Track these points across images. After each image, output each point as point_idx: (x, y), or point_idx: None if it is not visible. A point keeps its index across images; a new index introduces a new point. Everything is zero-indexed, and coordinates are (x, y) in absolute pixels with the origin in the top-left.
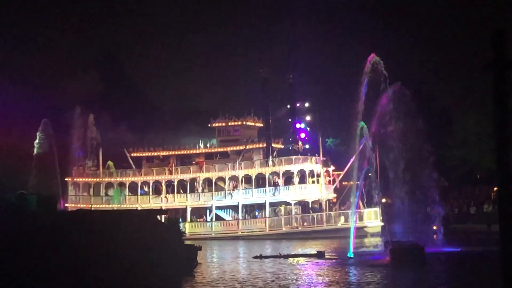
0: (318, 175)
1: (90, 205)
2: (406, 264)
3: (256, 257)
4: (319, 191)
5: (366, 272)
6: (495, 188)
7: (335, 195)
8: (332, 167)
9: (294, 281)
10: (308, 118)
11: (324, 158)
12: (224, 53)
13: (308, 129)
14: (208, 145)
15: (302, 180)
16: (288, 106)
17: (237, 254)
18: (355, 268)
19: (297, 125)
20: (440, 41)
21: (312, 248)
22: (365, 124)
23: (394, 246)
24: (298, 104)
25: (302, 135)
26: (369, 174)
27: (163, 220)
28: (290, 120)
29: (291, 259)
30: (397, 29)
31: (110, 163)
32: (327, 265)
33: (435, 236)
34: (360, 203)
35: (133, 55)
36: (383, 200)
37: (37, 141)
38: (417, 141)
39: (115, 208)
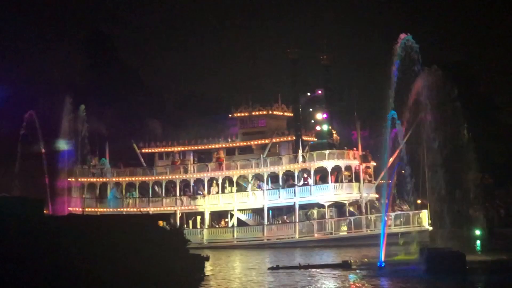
0: (357, 173)
1: (82, 209)
2: (444, 274)
3: (272, 268)
4: (358, 191)
5: (398, 284)
6: None
7: (377, 196)
8: (373, 163)
9: None
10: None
11: (364, 153)
12: (244, 30)
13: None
14: (229, 139)
15: (338, 179)
16: (309, 94)
17: (254, 264)
18: (385, 279)
19: (319, 116)
20: (482, 15)
21: (345, 256)
22: (396, 113)
23: (431, 253)
24: (319, 92)
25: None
26: (402, 172)
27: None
28: (311, 110)
29: (312, 270)
30: (433, 3)
31: (103, 160)
32: (353, 276)
33: (478, 241)
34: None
35: (127, 33)
36: (418, 201)
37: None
38: (456, 132)
39: (113, 213)
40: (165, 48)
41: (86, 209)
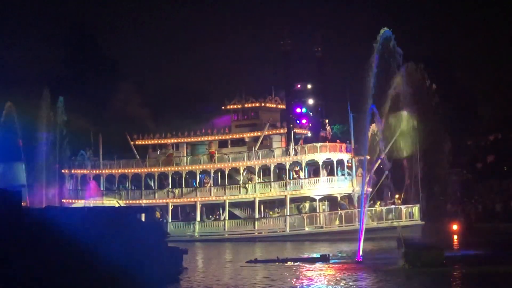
0: (349, 166)
1: (60, 201)
2: (422, 268)
3: (250, 261)
4: (350, 184)
5: (375, 277)
6: None
7: (371, 189)
8: (367, 157)
9: None
10: (310, 101)
11: (357, 146)
12: (234, 23)
13: (311, 113)
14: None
15: (331, 172)
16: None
17: (237, 258)
18: (363, 273)
19: (297, 110)
20: (464, 15)
21: (334, 250)
22: (376, 108)
23: (408, 248)
24: (298, 86)
25: (304, 121)
26: (381, 167)
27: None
28: (292, 103)
29: (290, 264)
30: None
31: (82, 152)
32: (331, 270)
33: (455, 236)
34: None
35: (109, 25)
36: (396, 196)
37: None
38: (435, 127)
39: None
40: (148, 40)
41: (81, 201)
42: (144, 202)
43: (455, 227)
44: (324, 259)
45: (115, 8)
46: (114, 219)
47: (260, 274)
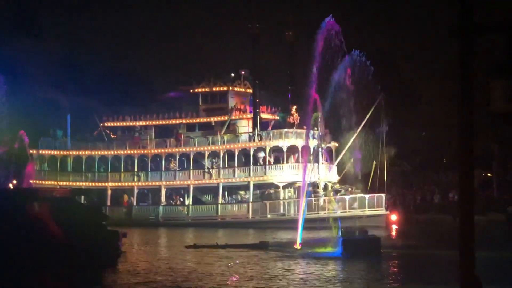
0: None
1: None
2: (359, 257)
3: (189, 246)
4: (317, 172)
5: (309, 264)
6: None
7: (339, 177)
8: (334, 144)
9: (221, 272)
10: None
11: (324, 133)
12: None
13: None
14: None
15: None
16: (233, 74)
17: (183, 242)
18: (299, 259)
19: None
20: (407, 6)
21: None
22: (319, 97)
23: (346, 237)
24: (243, 72)
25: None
26: (321, 155)
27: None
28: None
29: (228, 250)
30: None
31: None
32: (268, 256)
33: (392, 226)
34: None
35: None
36: (336, 186)
37: None
38: (376, 117)
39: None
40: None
41: (48, 182)
42: (110, 184)
43: (394, 217)
44: (263, 245)
45: None
46: (51, 201)
47: (194, 259)
